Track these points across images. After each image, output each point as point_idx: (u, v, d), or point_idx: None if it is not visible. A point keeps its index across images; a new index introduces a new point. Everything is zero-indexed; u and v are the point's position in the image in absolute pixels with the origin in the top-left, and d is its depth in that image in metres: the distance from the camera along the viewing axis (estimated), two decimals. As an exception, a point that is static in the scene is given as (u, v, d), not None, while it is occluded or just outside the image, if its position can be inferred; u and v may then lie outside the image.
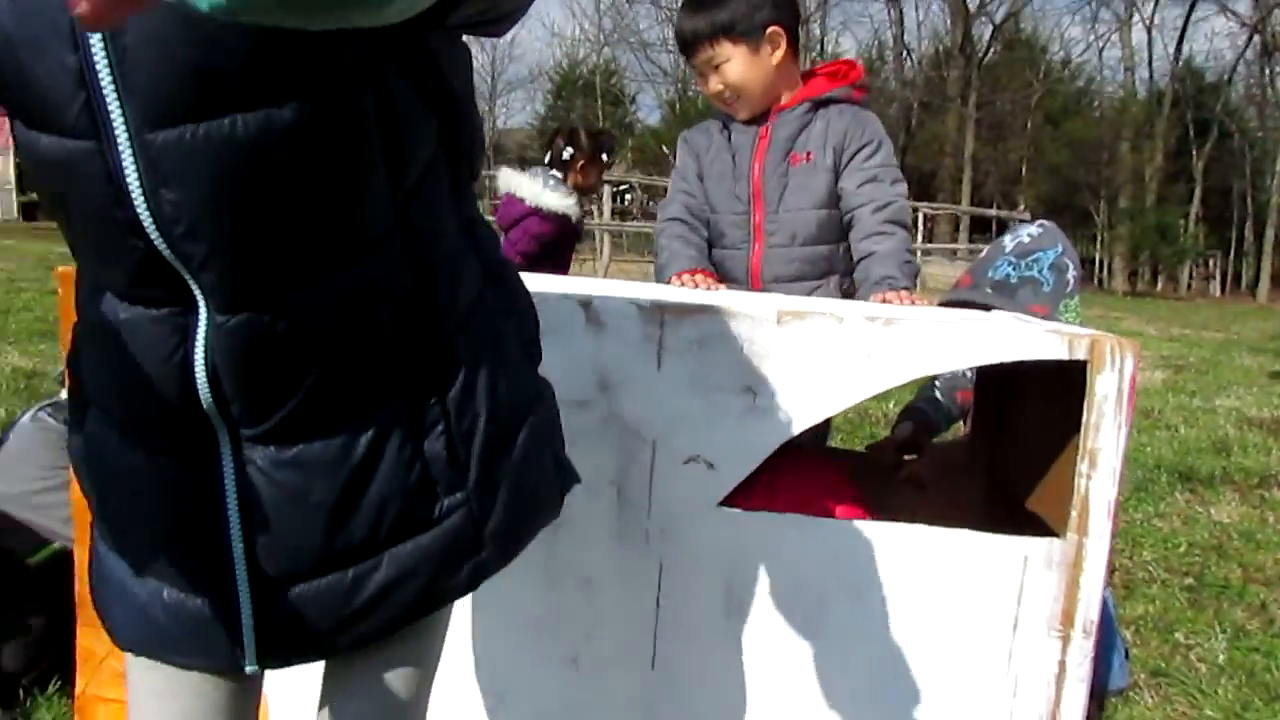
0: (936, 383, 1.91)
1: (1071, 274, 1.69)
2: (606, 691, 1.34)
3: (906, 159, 25.53)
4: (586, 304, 1.26)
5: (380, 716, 0.87)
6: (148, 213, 0.68)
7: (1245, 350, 8.69)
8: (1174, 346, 8.83)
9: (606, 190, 13.21)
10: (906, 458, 1.81)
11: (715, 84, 1.85)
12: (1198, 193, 30.75)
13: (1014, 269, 1.69)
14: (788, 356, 1.24)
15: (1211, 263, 31.69)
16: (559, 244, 3.38)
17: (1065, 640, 1.25)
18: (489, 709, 1.36)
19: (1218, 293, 30.15)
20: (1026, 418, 1.58)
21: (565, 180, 3.35)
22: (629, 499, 1.28)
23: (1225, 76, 32.43)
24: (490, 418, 0.83)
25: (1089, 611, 1.24)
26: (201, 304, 0.72)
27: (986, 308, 1.66)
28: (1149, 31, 31.74)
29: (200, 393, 0.74)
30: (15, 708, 1.72)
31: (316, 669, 0.89)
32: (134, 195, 0.68)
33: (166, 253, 0.70)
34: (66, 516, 1.55)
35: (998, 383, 1.75)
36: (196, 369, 0.74)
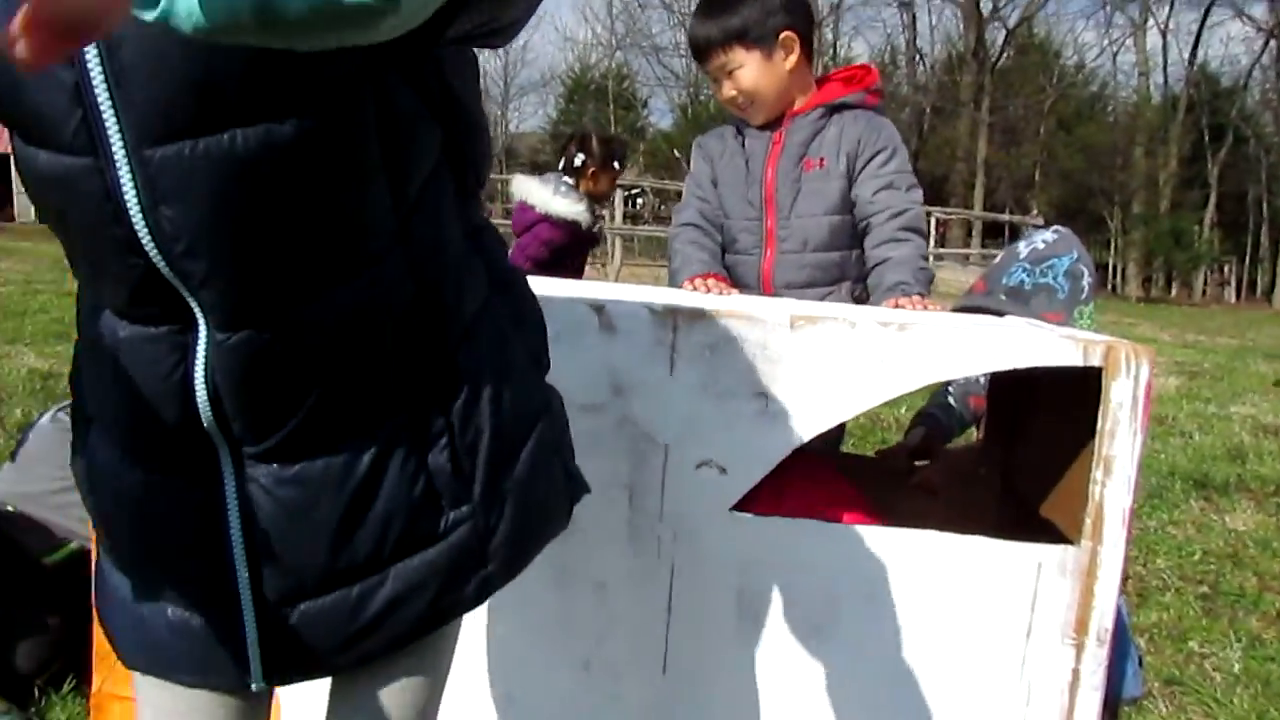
0: (950, 388, 1.90)
1: (1087, 281, 1.68)
2: (618, 695, 1.34)
3: (919, 164, 25.35)
4: (599, 308, 1.26)
5: None
6: (146, 230, 0.67)
7: (1260, 357, 8.62)
8: (1188, 353, 8.78)
9: (618, 194, 13.23)
10: (918, 464, 1.81)
11: (729, 90, 1.85)
12: (1212, 198, 30.55)
13: (1029, 275, 1.68)
14: (801, 361, 1.24)
15: (1226, 269, 31.48)
16: (570, 250, 3.39)
17: (1079, 648, 1.24)
18: (500, 711, 1.36)
19: (1232, 299, 29.96)
20: (1040, 424, 1.58)
21: (577, 186, 3.37)
22: (641, 503, 1.29)
23: (1241, 81, 32.27)
24: (495, 429, 0.81)
25: (1103, 619, 1.23)
26: (201, 322, 0.71)
27: (1000, 314, 1.65)
28: (1164, 36, 31.65)
29: (201, 411, 0.73)
30: (30, 707, 1.74)
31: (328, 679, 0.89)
32: (132, 212, 0.67)
33: (166, 271, 0.69)
34: (84, 516, 1.56)
35: (1011, 388, 1.74)
36: (197, 387, 0.73)
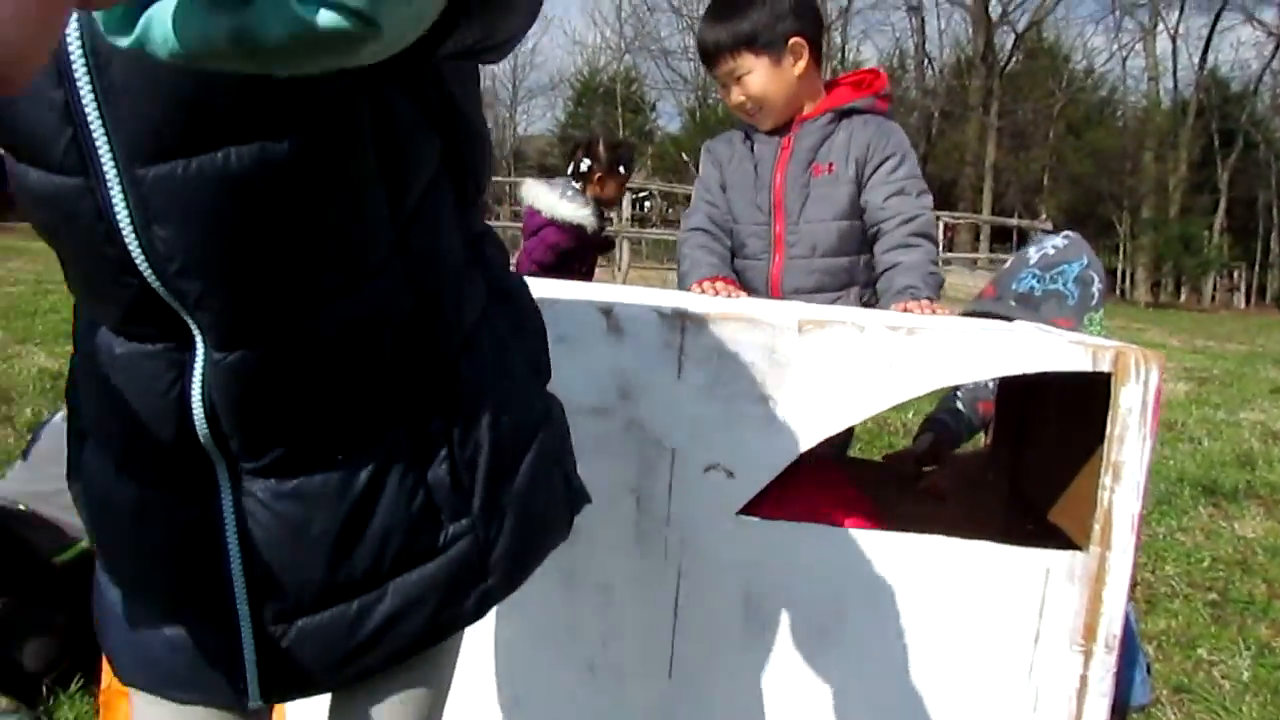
0: (958, 393, 1.90)
1: (1097, 287, 1.68)
2: (623, 699, 1.34)
3: (927, 168, 25.41)
4: (607, 311, 1.26)
5: None
6: (139, 250, 0.66)
7: (1270, 363, 8.58)
8: (1197, 359, 8.74)
9: (626, 197, 13.24)
10: (926, 469, 1.80)
11: (737, 95, 1.85)
12: (1222, 204, 30.41)
13: (1038, 281, 1.68)
14: (809, 365, 1.24)
15: (1236, 274, 31.30)
16: (576, 254, 3.41)
17: (1087, 655, 1.24)
18: (505, 714, 1.36)
19: (1242, 305, 29.77)
20: (1049, 429, 1.57)
21: (584, 191, 3.38)
22: (648, 506, 1.29)
23: (1251, 86, 32.13)
24: (495, 441, 0.80)
25: (1111, 626, 1.23)
26: (198, 340, 0.70)
27: (1009, 319, 1.65)
28: (1173, 41, 31.56)
29: (198, 428, 0.72)
30: (38, 706, 1.75)
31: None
32: (125, 233, 0.65)
33: (161, 290, 0.68)
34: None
35: (1020, 394, 1.74)
36: (194, 405, 0.72)
